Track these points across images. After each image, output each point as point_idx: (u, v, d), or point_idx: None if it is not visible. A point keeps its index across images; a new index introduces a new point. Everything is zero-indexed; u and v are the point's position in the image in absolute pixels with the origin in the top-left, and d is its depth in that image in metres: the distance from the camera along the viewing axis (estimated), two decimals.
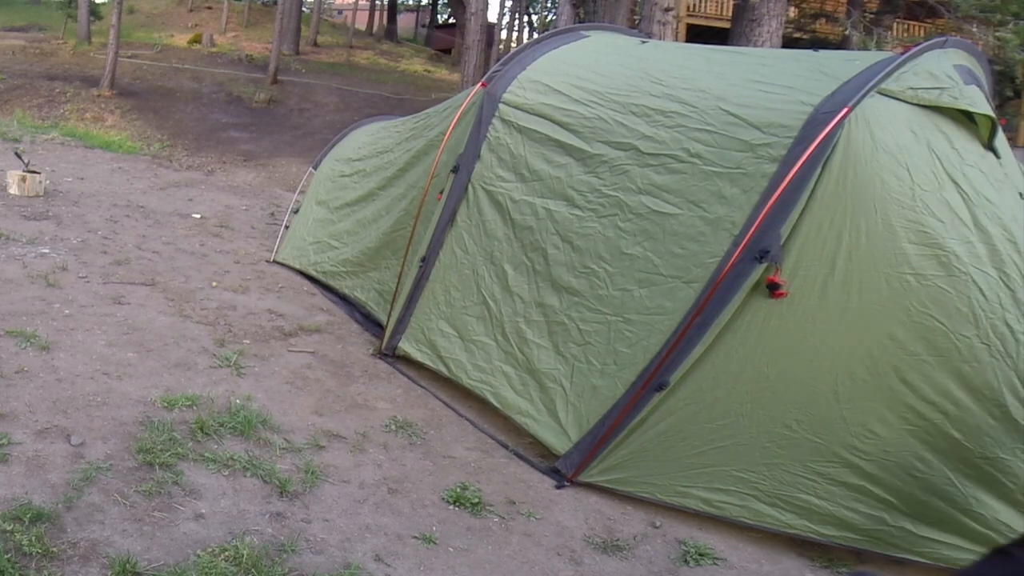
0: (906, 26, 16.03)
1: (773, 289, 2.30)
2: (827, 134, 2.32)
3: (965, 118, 2.52)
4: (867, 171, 2.31)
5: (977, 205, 2.38)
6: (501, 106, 3.15)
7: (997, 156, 2.58)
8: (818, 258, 2.31)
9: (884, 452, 2.30)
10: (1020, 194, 2.59)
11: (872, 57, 2.68)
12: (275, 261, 4.70)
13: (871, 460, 2.32)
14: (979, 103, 2.56)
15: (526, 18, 35.12)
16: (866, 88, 2.39)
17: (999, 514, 2.29)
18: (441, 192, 3.29)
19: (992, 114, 2.53)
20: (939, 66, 2.60)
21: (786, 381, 2.35)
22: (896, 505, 2.34)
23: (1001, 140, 2.60)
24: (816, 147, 2.32)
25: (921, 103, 2.44)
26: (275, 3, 24.17)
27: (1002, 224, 2.40)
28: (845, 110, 2.33)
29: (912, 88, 2.46)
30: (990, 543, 2.30)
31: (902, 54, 2.58)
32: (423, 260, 3.29)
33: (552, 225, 2.86)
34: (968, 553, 2.32)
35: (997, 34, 10.16)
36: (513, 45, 28.36)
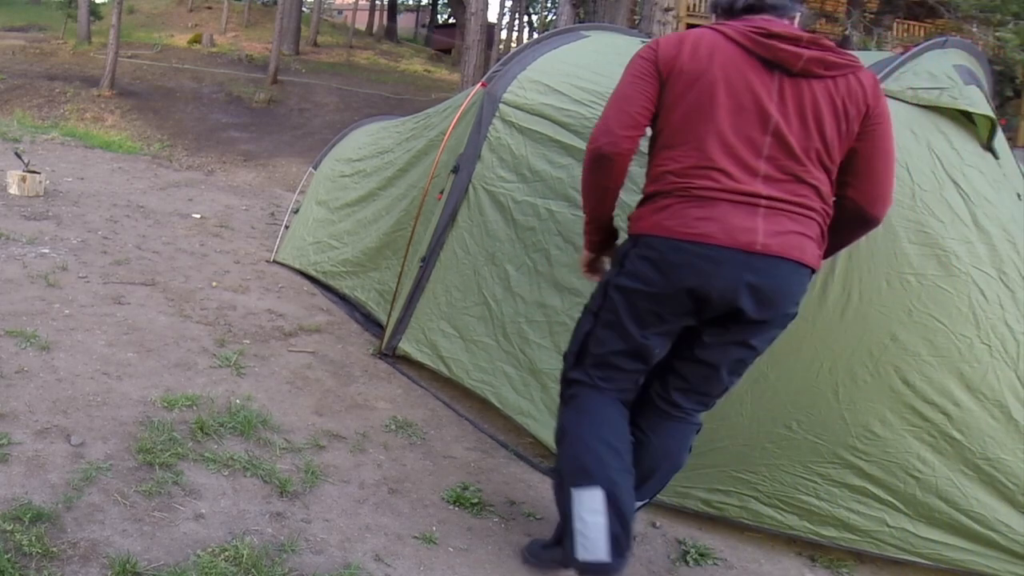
0: (906, 26, 16.03)
1: None
2: None
3: (964, 118, 2.51)
4: None
5: (977, 205, 2.38)
6: (501, 106, 3.15)
7: (996, 156, 2.58)
8: None
9: (885, 453, 2.30)
10: (1018, 195, 2.58)
11: (872, 57, 2.68)
12: (275, 261, 4.70)
13: (872, 461, 2.32)
14: (979, 103, 2.55)
15: (526, 18, 35.16)
16: None
17: (1000, 515, 2.29)
18: (441, 192, 3.29)
19: (991, 114, 2.53)
20: (939, 66, 2.60)
21: (786, 382, 2.35)
22: (896, 506, 2.34)
23: (1000, 140, 2.60)
24: None
25: (921, 103, 2.44)
26: (275, 3, 24.18)
27: (1001, 224, 2.40)
28: None
29: (912, 88, 2.46)
30: (991, 544, 2.31)
31: (902, 54, 2.58)
32: (423, 260, 3.29)
33: (554, 226, 2.86)
34: (969, 554, 2.33)
35: (997, 34, 10.17)
36: (513, 45, 28.38)
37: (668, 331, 1.92)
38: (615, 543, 1.89)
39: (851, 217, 1.92)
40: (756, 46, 1.80)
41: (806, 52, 1.78)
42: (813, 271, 1.85)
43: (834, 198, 1.89)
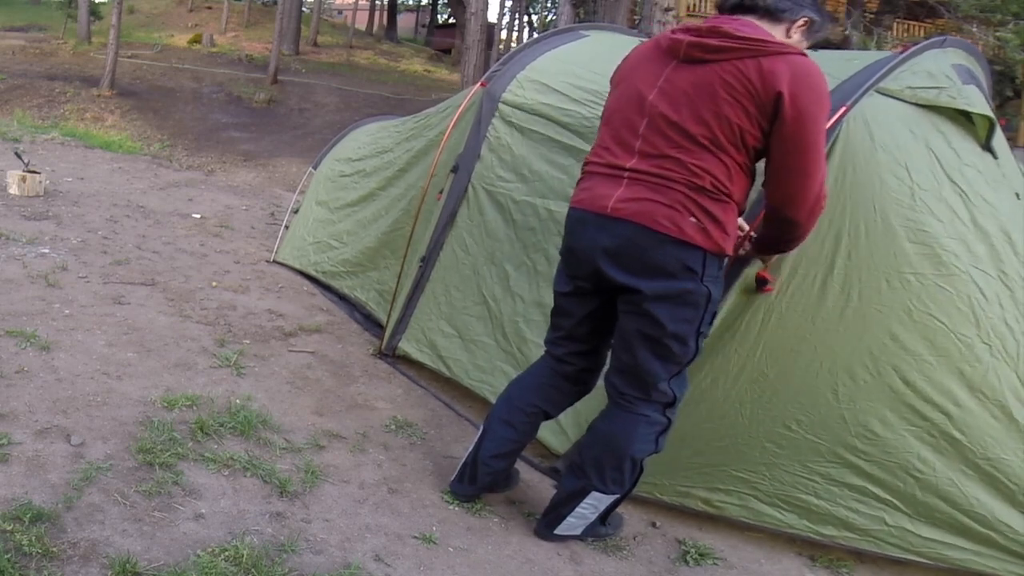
0: (906, 26, 16.04)
1: (761, 284, 2.29)
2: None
3: (963, 118, 2.51)
4: (866, 170, 2.31)
5: (975, 205, 2.38)
6: (501, 106, 3.15)
7: (995, 156, 2.57)
8: (817, 258, 2.30)
9: (885, 453, 2.30)
10: (1017, 195, 2.58)
11: (871, 56, 2.68)
12: (275, 261, 4.70)
13: (871, 460, 2.32)
14: (977, 103, 2.55)
15: (526, 18, 35.15)
16: (864, 87, 2.38)
17: (1000, 514, 2.29)
18: (441, 192, 3.29)
19: (990, 114, 2.52)
20: (937, 65, 2.60)
21: (786, 381, 2.35)
22: (896, 505, 2.34)
23: (999, 140, 2.59)
24: None
25: (919, 102, 2.44)
26: (275, 3, 24.18)
27: (999, 224, 2.40)
28: (843, 109, 2.32)
29: (911, 87, 2.46)
30: (991, 543, 2.31)
31: (900, 53, 2.58)
32: (423, 260, 3.29)
33: (554, 226, 2.86)
34: (968, 553, 2.33)
35: (997, 34, 10.18)
36: (513, 45, 28.38)
37: (578, 290, 2.14)
38: (461, 470, 2.39)
39: (768, 212, 1.98)
40: (663, 41, 2.03)
41: (686, 39, 1.94)
42: (675, 238, 1.91)
43: (729, 178, 1.93)
